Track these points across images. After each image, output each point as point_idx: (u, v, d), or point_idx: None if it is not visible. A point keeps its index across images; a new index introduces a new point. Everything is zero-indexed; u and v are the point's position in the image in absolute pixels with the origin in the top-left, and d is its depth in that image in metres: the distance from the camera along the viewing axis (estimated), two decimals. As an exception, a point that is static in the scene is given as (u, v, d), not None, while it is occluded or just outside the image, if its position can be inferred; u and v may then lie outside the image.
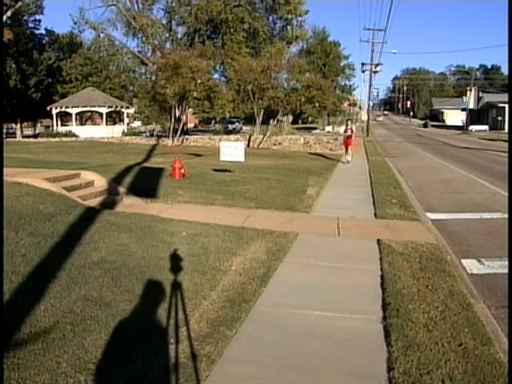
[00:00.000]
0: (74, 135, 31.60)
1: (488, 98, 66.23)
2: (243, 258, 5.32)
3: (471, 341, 3.45)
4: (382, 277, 4.84)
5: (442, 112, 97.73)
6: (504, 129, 53.21)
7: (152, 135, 32.47)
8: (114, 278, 4.39)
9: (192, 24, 33.48)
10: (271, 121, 27.69)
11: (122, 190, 8.85)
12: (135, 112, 39.59)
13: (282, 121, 32.62)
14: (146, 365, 3.04)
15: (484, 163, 18.90)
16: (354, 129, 18.08)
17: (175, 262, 4.97)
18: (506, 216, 7.82)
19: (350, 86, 67.87)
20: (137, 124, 43.71)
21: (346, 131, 18.14)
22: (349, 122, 18.68)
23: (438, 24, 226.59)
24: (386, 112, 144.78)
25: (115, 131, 33.45)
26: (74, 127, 34.19)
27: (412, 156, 23.44)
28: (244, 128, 44.38)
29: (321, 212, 8.34)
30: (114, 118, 38.49)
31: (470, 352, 3.29)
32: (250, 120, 36.34)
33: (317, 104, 25.88)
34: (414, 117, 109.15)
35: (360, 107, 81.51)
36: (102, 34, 38.71)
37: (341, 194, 10.53)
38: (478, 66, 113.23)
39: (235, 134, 33.76)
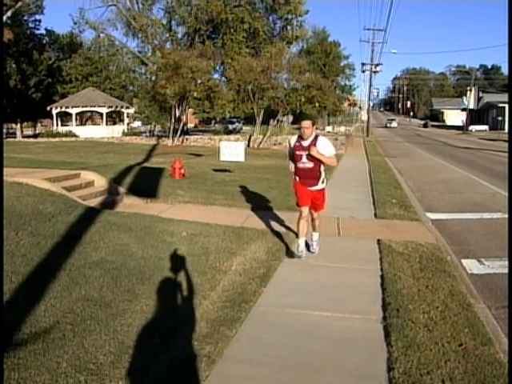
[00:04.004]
0: (74, 135, 31.59)
1: (488, 98, 66.20)
2: (243, 258, 5.32)
3: (471, 341, 3.45)
4: (382, 277, 4.84)
5: (442, 112, 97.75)
6: (504, 129, 53.22)
7: (152, 135, 32.47)
8: (114, 278, 4.39)
9: (192, 24, 33.48)
10: (271, 121, 27.69)
11: (122, 189, 8.85)
12: (135, 112, 39.54)
13: (282, 121, 32.66)
14: (146, 365, 3.04)
15: (484, 163, 18.90)
16: (325, 146, 5.31)
17: (175, 262, 4.97)
18: (506, 216, 7.82)
19: (350, 86, 67.84)
20: (137, 124, 43.69)
21: (297, 151, 5.35)
22: (304, 124, 5.20)
23: (438, 24, 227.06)
24: (381, 110, 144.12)
25: (115, 131, 33.43)
26: (74, 127, 34.18)
27: (412, 156, 23.44)
28: (244, 128, 44.37)
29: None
30: (114, 118, 38.46)
31: (470, 352, 3.28)
32: (250, 120, 36.35)
33: (317, 104, 25.88)
34: (414, 117, 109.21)
35: (360, 107, 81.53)
36: (102, 34, 38.72)
37: (341, 193, 10.52)
38: (478, 66, 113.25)
39: (235, 134, 33.77)
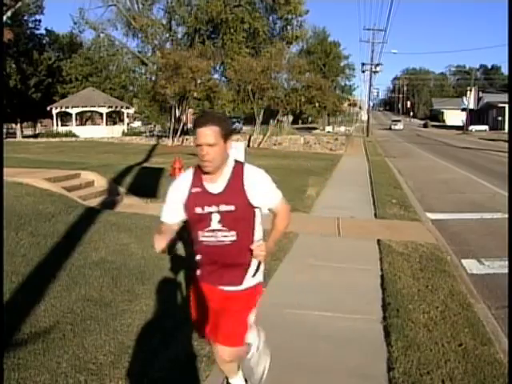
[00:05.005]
0: (74, 135, 31.59)
1: (488, 98, 66.20)
2: (243, 258, 5.32)
3: (471, 341, 3.45)
4: (382, 277, 4.84)
5: (442, 112, 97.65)
6: (504, 129, 53.20)
7: (152, 135, 32.48)
8: (114, 278, 4.39)
9: (192, 24, 33.52)
10: (271, 121, 27.71)
11: (122, 189, 8.85)
12: (135, 112, 39.56)
13: (282, 121, 32.66)
14: (146, 365, 3.04)
15: (484, 163, 18.89)
16: (262, 188, 2.28)
17: (175, 262, 4.97)
18: (506, 216, 7.82)
19: (350, 86, 67.96)
20: (137, 124, 43.70)
21: (197, 207, 2.25)
22: (203, 136, 2.17)
23: (438, 24, 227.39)
24: (381, 109, 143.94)
25: (115, 131, 33.42)
26: (74, 127, 34.18)
27: (412, 156, 23.44)
28: (244, 128, 44.41)
29: (321, 212, 8.33)
30: (114, 118, 38.45)
31: (470, 352, 3.28)
32: (250, 120, 36.38)
33: (317, 104, 25.93)
34: (414, 117, 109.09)
35: (360, 107, 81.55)
36: (101, 34, 38.80)
37: (341, 193, 10.53)
38: (478, 66, 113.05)
39: (235, 134, 33.78)
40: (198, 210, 2.25)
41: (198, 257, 2.38)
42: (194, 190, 2.31)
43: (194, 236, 2.34)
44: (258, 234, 2.34)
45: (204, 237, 2.28)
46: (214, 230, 2.25)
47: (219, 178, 2.26)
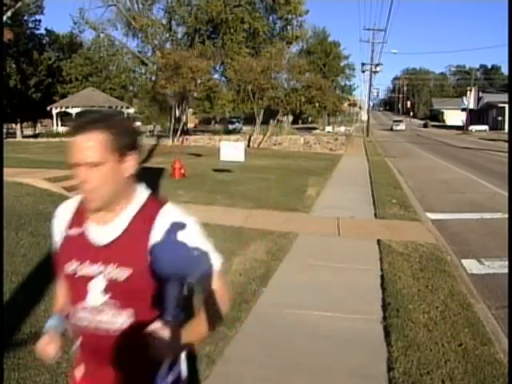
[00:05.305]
0: (74, 135, 31.58)
1: (488, 98, 66.21)
2: (243, 258, 5.32)
3: (471, 341, 3.45)
4: (382, 277, 4.83)
5: (442, 112, 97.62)
6: (504, 129, 53.19)
7: (152, 135, 32.49)
8: (114, 278, 4.39)
9: (192, 24, 33.50)
10: (271, 121, 27.73)
11: (122, 190, 8.86)
12: (135, 112, 39.57)
13: (282, 121, 32.67)
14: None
15: (484, 163, 18.90)
16: (180, 246, 1.28)
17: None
18: (506, 216, 7.82)
19: (350, 86, 68.02)
20: (137, 124, 43.65)
21: (70, 262, 1.31)
22: (79, 151, 1.21)
23: (438, 24, 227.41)
24: (381, 109, 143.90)
25: (115, 131, 33.40)
26: (74, 127, 34.17)
27: (412, 156, 23.44)
28: (244, 128, 44.40)
29: (321, 212, 8.33)
30: (114, 118, 38.40)
31: (470, 352, 3.28)
32: (250, 120, 36.39)
33: (317, 104, 25.96)
34: (414, 117, 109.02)
35: (360, 107, 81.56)
36: (101, 34, 38.77)
37: (341, 193, 10.54)
38: (478, 66, 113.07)
39: (235, 134, 33.77)
40: (70, 269, 1.32)
41: (75, 347, 1.42)
42: (71, 231, 1.35)
43: (70, 313, 1.38)
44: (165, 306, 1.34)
45: (77, 318, 1.34)
46: (92, 308, 1.30)
47: (115, 217, 1.30)
